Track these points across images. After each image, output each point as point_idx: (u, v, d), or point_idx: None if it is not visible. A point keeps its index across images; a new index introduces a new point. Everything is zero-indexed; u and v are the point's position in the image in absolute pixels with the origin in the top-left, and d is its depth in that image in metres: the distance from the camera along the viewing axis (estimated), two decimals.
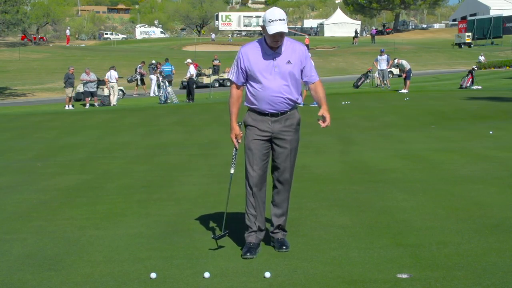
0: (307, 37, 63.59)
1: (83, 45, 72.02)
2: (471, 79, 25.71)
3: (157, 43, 74.70)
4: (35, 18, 63.91)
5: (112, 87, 25.47)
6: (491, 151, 9.58)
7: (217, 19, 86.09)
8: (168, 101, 24.68)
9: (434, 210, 5.68)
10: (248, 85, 4.52)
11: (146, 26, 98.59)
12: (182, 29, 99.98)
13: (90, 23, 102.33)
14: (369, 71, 29.82)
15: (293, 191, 4.71)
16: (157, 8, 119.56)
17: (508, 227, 4.98)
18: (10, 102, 31.92)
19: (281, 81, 4.41)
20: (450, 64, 46.35)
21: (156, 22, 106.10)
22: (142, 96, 31.11)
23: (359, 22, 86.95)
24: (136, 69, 31.98)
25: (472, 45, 59.60)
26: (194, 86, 25.39)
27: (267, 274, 4.01)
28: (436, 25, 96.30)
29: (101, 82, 26.10)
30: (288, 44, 4.45)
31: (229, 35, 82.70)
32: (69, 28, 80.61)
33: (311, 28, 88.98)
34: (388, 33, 78.58)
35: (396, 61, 26.34)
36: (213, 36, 78.26)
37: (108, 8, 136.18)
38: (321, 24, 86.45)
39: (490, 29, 63.16)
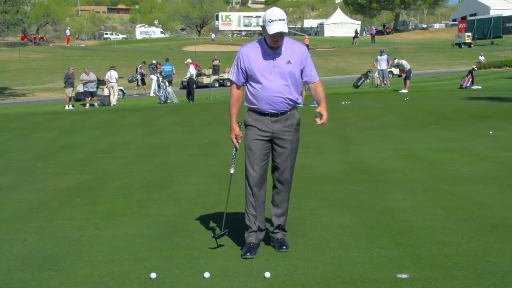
0: (307, 37, 63.58)
1: (83, 45, 72.02)
2: (471, 79, 25.70)
3: (157, 43, 74.70)
4: (35, 18, 63.91)
5: (112, 87, 25.47)
6: (491, 151, 9.58)
7: (217, 19, 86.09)
8: (168, 101, 24.67)
9: (434, 210, 5.68)
10: (248, 85, 4.52)
11: (146, 26, 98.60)
12: (182, 29, 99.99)
13: (90, 23, 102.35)
14: (369, 71, 29.81)
15: (293, 191, 4.71)
16: (157, 8, 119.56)
17: (508, 227, 4.98)
18: (10, 102, 31.92)
19: (281, 81, 4.41)
20: (450, 64, 46.35)
21: (156, 22, 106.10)
22: (142, 96, 31.12)
23: (359, 22, 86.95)
24: (137, 69, 31.98)
25: (472, 45, 59.60)
26: (194, 86, 25.39)
27: (267, 274, 4.01)
28: (436, 25, 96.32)
29: (101, 82, 26.12)
30: (288, 44, 4.45)
31: (229, 35, 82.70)
32: (69, 28, 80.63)
33: (311, 28, 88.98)
34: (388, 33, 78.58)
35: (396, 61, 26.33)
36: (213, 36, 78.24)
37: (108, 8, 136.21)
38: (321, 24, 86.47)
39: (490, 29, 63.17)
